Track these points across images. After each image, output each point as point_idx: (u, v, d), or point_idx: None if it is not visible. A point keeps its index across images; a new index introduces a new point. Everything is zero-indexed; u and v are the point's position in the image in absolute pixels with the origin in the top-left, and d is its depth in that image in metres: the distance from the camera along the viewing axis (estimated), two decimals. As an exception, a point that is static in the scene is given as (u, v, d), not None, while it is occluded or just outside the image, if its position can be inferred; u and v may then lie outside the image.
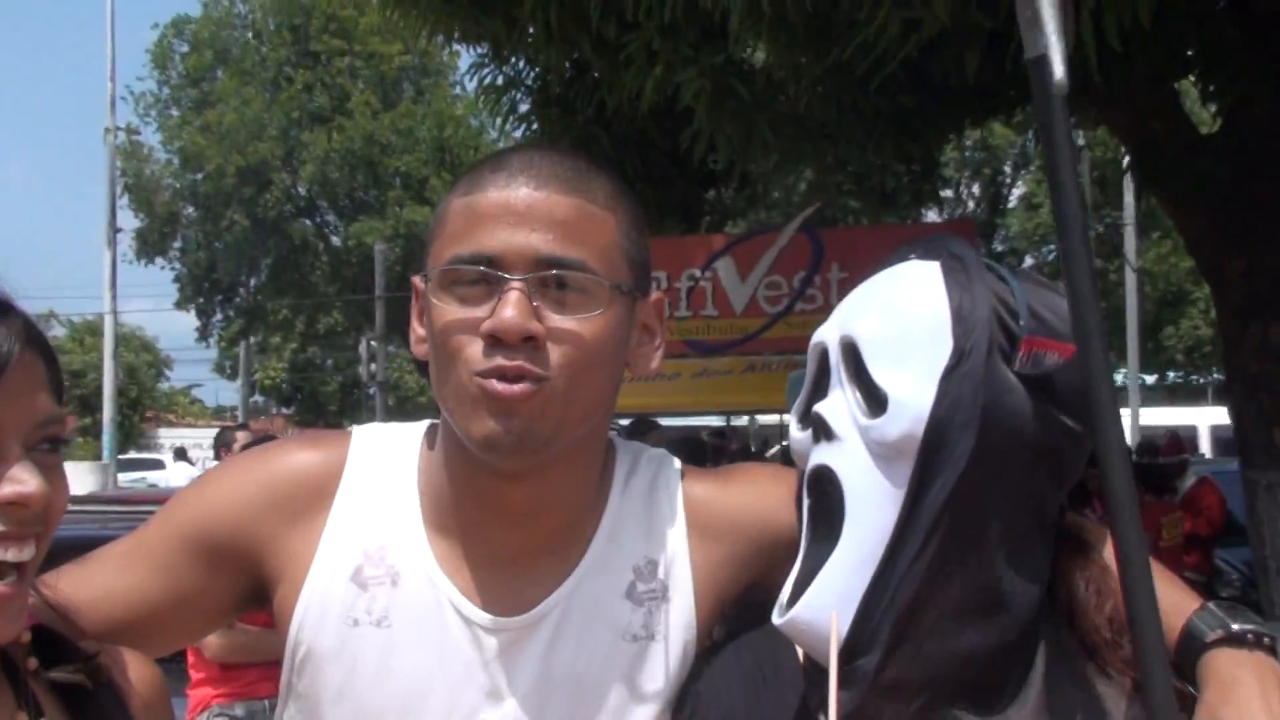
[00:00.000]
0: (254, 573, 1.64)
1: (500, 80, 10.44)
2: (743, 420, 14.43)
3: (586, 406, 1.56)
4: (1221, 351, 9.36)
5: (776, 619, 1.51)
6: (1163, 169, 8.28)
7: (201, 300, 35.32)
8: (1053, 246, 32.97)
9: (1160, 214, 13.22)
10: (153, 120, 35.94)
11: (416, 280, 1.62)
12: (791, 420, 1.62)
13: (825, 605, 1.45)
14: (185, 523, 1.63)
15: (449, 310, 1.51)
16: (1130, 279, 28.32)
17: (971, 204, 32.76)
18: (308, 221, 35.51)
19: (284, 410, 50.68)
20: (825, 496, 1.51)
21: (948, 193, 31.95)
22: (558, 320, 1.50)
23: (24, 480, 1.31)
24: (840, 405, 1.51)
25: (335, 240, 35.79)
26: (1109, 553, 1.54)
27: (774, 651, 1.59)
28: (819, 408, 1.53)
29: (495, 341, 1.47)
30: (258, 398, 49.60)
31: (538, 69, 10.33)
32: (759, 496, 1.71)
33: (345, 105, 34.52)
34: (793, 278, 12.40)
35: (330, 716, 1.60)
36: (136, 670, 1.52)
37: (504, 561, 1.61)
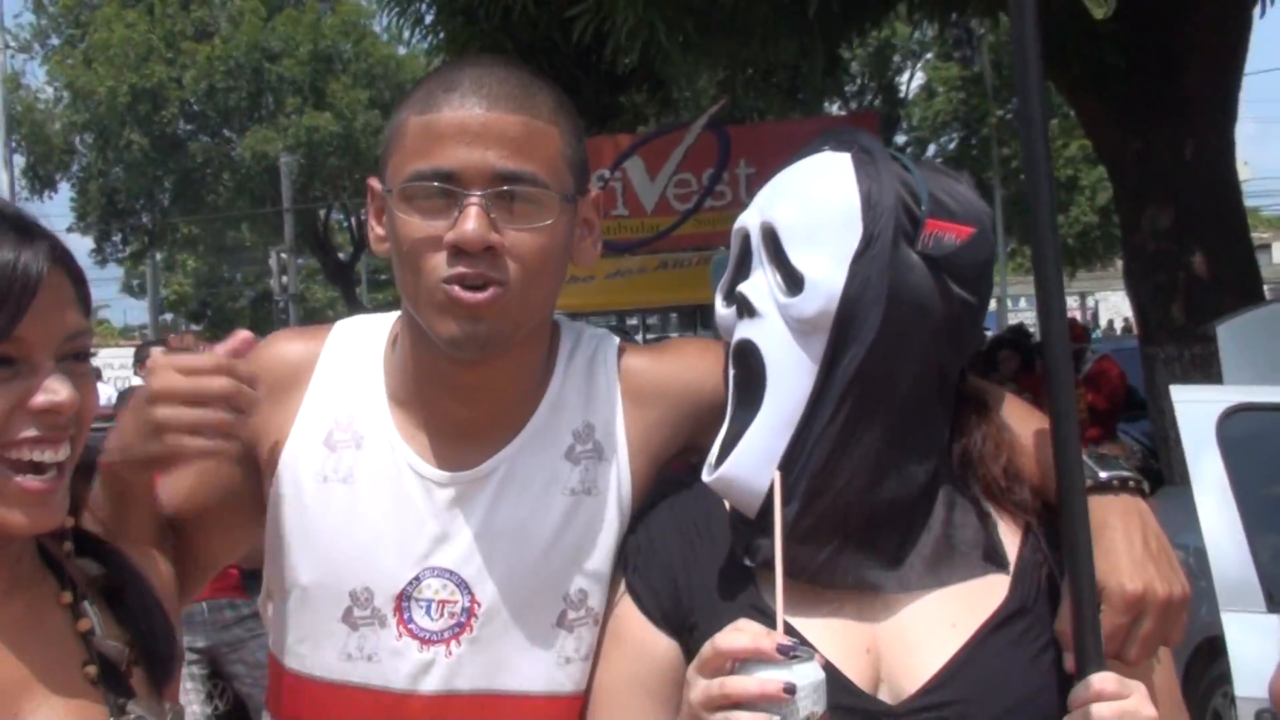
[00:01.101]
0: (255, 455, 1.82)
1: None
2: (654, 318, 14.67)
3: (540, 304, 1.74)
4: (1120, 232, 9.62)
5: (706, 476, 1.67)
6: (1060, 56, 8.44)
7: (101, 224, 34.62)
8: (953, 135, 33.36)
9: (1054, 98, 13.54)
10: (35, 56, 35.00)
11: (373, 182, 1.77)
12: (717, 297, 1.77)
13: (749, 464, 1.62)
14: None
15: (412, 223, 1.66)
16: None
17: (870, 97, 32.94)
18: (205, 138, 34.87)
19: (194, 327, 50.14)
20: (748, 368, 1.67)
21: (851, 87, 32.06)
22: (512, 231, 1.65)
23: (56, 390, 1.45)
24: (761, 285, 1.67)
25: (235, 155, 35.22)
26: (1005, 411, 1.76)
27: (704, 507, 1.75)
28: (742, 287, 1.68)
29: (458, 251, 1.63)
30: (166, 315, 49.07)
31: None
32: (688, 366, 1.87)
33: (232, 17, 33.79)
34: (701, 175, 12.53)
35: (299, 564, 1.77)
36: (163, 569, 1.71)
37: (457, 430, 1.78)
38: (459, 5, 10.10)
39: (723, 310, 1.75)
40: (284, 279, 30.59)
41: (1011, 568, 1.68)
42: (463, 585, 1.74)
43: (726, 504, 1.72)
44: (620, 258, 13.18)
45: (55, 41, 34.53)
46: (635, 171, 12.58)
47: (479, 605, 1.74)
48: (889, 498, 1.65)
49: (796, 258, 1.63)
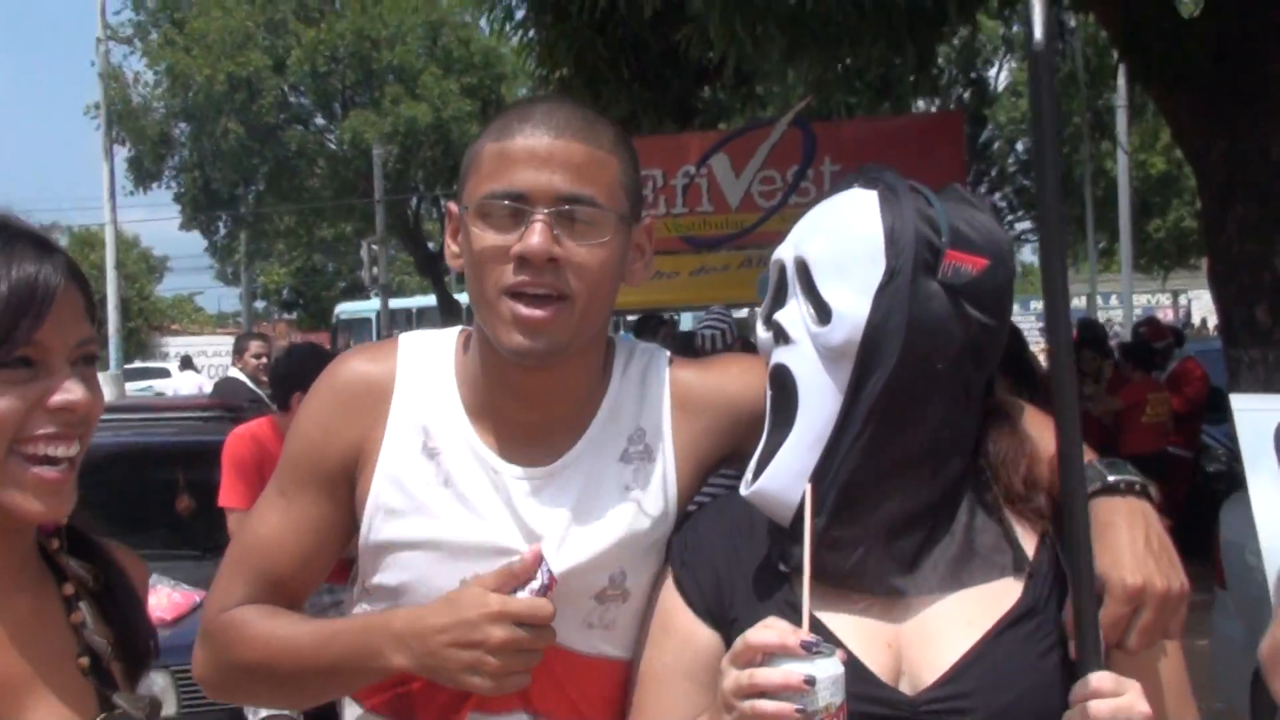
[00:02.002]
0: (351, 472, 2.01)
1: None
2: (742, 313, 14.68)
3: (597, 316, 1.94)
4: (1205, 234, 9.56)
5: (744, 490, 1.85)
6: (1148, 55, 8.43)
7: (203, 218, 35.17)
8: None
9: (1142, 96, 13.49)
10: (136, 48, 35.53)
11: (451, 205, 1.99)
12: (758, 323, 1.94)
13: (783, 479, 1.80)
14: (300, 463, 2.02)
15: (485, 236, 1.88)
16: (1122, 160, 28.46)
17: (960, 90, 32.69)
18: (301, 127, 35.28)
19: (286, 316, 50.85)
20: (783, 390, 1.84)
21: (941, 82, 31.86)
22: (573, 245, 1.86)
23: (72, 390, 1.61)
24: (795, 314, 1.84)
25: (331, 144, 35.59)
26: (1027, 423, 1.91)
27: (749, 512, 1.91)
28: (778, 316, 1.86)
29: (523, 262, 1.84)
30: (259, 303, 49.84)
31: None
32: (732, 380, 2.07)
33: (333, 4, 34.12)
34: (786, 172, 12.54)
35: (410, 560, 1.97)
36: (137, 565, 1.93)
37: (526, 434, 1.99)
38: (549, 2, 10.24)
39: (762, 334, 1.92)
40: (374, 270, 30.94)
41: (1026, 570, 1.82)
42: (543, 564, 1.88)
43: None
44: (704, 254, 13.27)
45: (154, 36, 35.05)
46: (720, 168, 12.63)
47: (555, 580, 1.89)
48: (912, 508, 1.81)
49: (825, 290, 1.79)
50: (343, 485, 2.00)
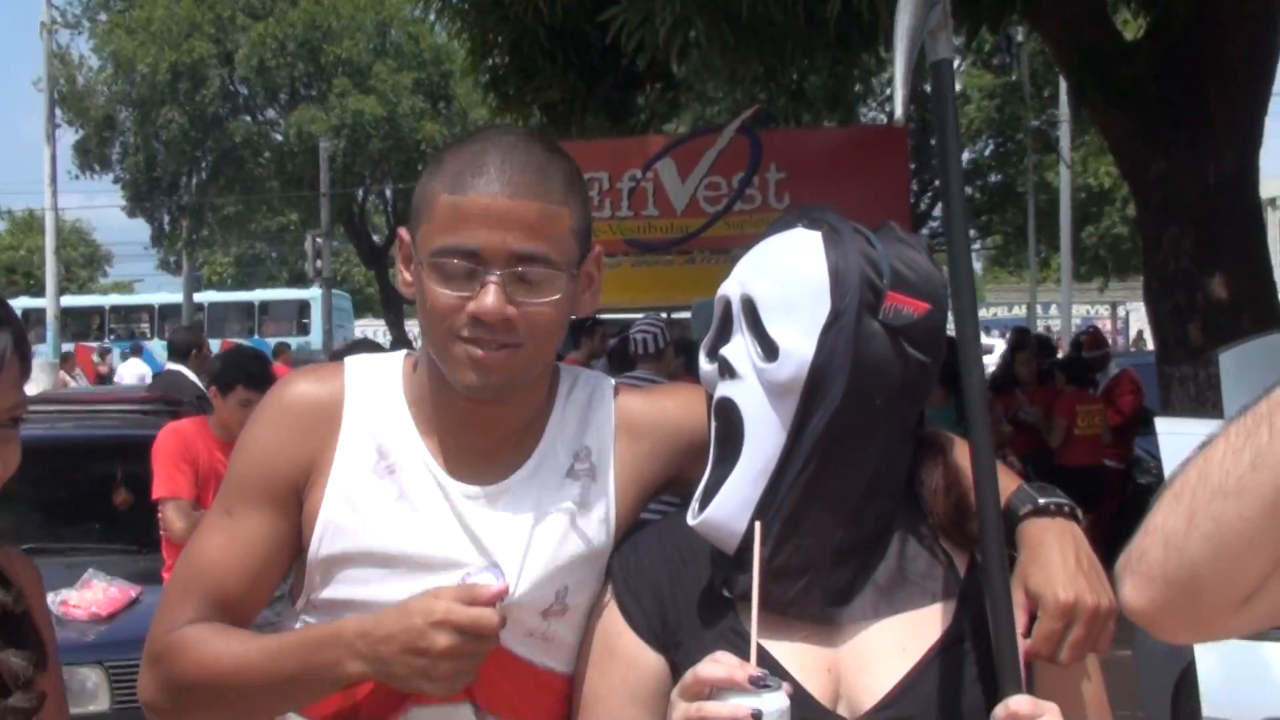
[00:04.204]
0: (300, 491, 2.03)
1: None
2: (685, 314, 14.74)
3: (544, 358, 2.01)
4: (1140, 251, 9.70)
5: (691, 520, 1.89)
6: (1091, 75, 8.55)
7: (148, 205, 34.83)
8: (988, 141, 33.30)
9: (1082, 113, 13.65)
10: (83, 30, 35.13)
11: (403, 233, 2.01)
12: (700, 354, 1.99)
13: (729, 509, 1.85)
14: (247, 483, 2.04)
15: (439, 291, 1.91)
16: (1065, 175, 28.79)
17: (909, 104, 32.74)
18: (248, 118, 35.05)
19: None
20: (728, 423, 1.88)
21: (886, 93, 31.99)
22: (526, 302, 1.90)
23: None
24: (740, 350, 1.88)
25: (277, 136, 35.35)
26: (957, 454, 1.96)
27: (689, 535, 1.95)
28: (724, 351, 1.89)
29: (478, 320, 1.89)
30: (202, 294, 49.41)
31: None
32: (676, 407, 2.12)
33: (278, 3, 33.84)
34: (732, 178, 12.61)
35: (361, 574, 1.99)
36: (28, 568, 2.01)
37: (475, 454, 2.04)
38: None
39: (706, 367, 1.96)
40: (318, 263, 30.75)
41: (957, 596, 1.89)
42: (498, 572, 1.93)
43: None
44: (648, 255, 13.35)
45: (103, 17, 34.70)
46: (667, 173, 12.68)
47: (509, 590, 1.93)
48: (852, 538, 1.86)
49: (772, 328, 1.84)
50: (291, 503, 2.03)
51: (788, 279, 1.86)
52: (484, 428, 2.03)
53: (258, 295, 41.11)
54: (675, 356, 8.20)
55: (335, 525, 2.00)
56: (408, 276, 2.02)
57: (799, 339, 1.82)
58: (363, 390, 2.06)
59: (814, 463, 1.82)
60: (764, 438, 1.84)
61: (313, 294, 40.02)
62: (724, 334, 1.93)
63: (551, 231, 1.92)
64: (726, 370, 1.88)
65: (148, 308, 42.37)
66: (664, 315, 11.28)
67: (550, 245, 1.91)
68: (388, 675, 1.87)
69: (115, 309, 42.45)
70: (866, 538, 1.88)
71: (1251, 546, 1.46)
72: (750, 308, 1.87)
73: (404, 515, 2.00)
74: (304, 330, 37.14)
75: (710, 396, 1.95)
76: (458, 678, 1.85)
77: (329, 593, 2.02)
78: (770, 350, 1.84)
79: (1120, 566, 1.58)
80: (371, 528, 1.99)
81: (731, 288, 1.92)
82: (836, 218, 1.92)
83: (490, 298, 1.87)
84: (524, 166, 1.92)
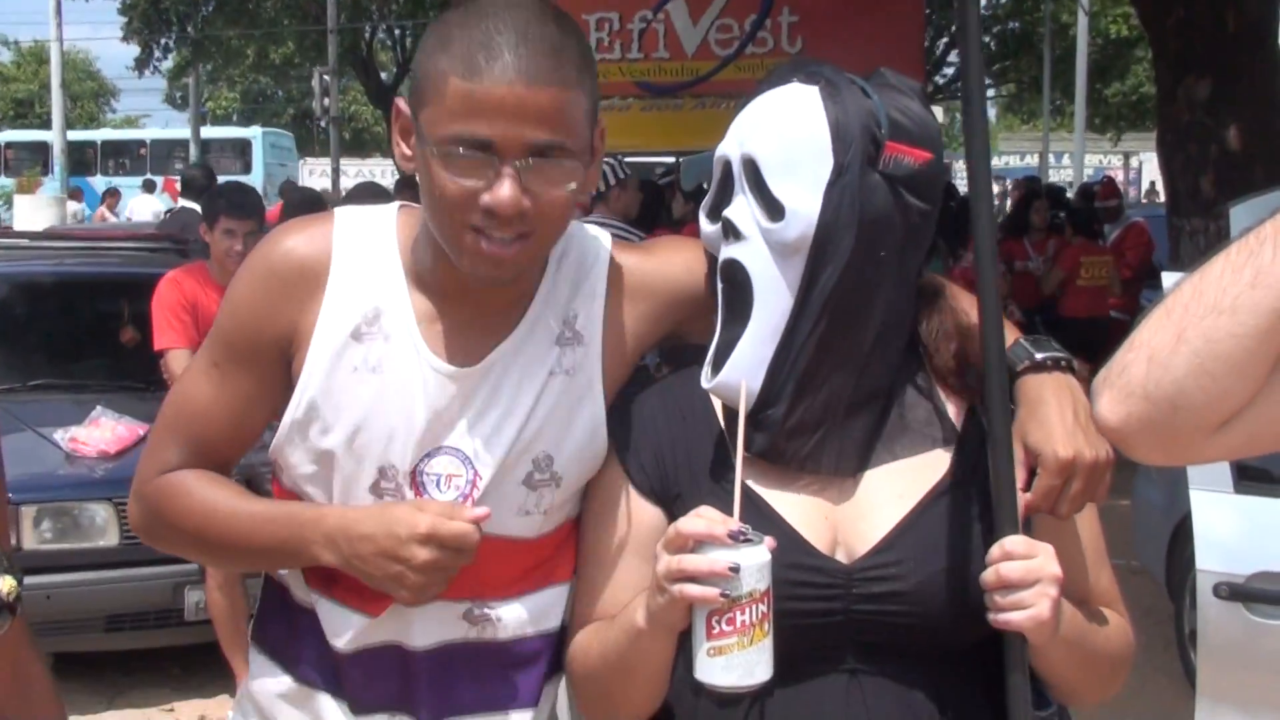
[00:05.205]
0: (286, 352, 2.01)
1: None
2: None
3: (555, 241, 1.97)
4: (1156, 102, 9.59)
5: (705, 382, 1.91)
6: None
7: (147, 32, 34.21)
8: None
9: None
10: None
11: (400, 103, 1.94)
12: (701, 215, 1.98)
13: (743, 369, 1.85)
14: (233, 340, 2.03)
15: (448, 181, 1.82)
16: (1082, 21, 28.32)
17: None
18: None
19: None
20: (734, 284, 1.89)
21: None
22: (540, 191, 1.83)
23: None
24: (744, 211, 1.87)
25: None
26: (955, 302, 1.99)
27: (690, 393, 1.98)
28: (728, 213, 1.88)
29: (490, 212, 1.82)
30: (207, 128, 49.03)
31: None
32: (672, 262, 2.10)
33: None
34: (744, 21, 12.39)
35: (333, 443, 1.99)
36: None
37: (466, 321, 2.00)
38: None
39: (709, 228, 1.95)
40: (325, 101, 30.36)
41: (955, 443, 1.92)
42: (466, 460, 1.97)
43: (713, 395, 1.96)
44: (659, 99, 13.19)
45: None
46: (678, 14, 12.45)
47: (480, 478, 1.97)
48: (865, 391, 1.89)
49: (776, 188, 1.83)
50: (277, 363, 2.01)
51: (789, 137, 1.84)
52: (480, 299, 1.99)
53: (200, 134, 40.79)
54: (638, 192, 7.95)
55: (313, 389, 1.99)
56: (407, 151, 1.94)
57: (804, 197, 1.82)
58: (352, 248, 2.01)
59: (824, 320, 1.84)
60: (773, 297, 1.85)
61: (253, 133, 40.88)
62: (725, 195, 1.92)
63: (567, 118, 1.83)
64: (731, 231, 1.88)
65: (141, 143, 42.13)
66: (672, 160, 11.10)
67: (566, 133, 1.83)
68: (358, 571, 1.90)
69: (107, 144, 42.16)
70: (877, 389, 1.90)
71: (1237, 367, 1.47)
72: (752, 168, 1.86)
73: (375, 384, 1.98)
74: (246, 169, 36.99)
75: (712, 256, 1.95)
76: (426, 590, 1.88)
77: (295, 455, 2.03)
78: (775, 210, 1.83)
79: (1099, 380, 1.60)
80: (343, 393, 1.98)
81: (730, 148, 1.91)
82: (832, 70, 1.90)
83: (506, 190, 1.80)
84: (539, 50, 1.81)
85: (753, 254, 1.86)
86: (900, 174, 1.82)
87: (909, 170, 1.82)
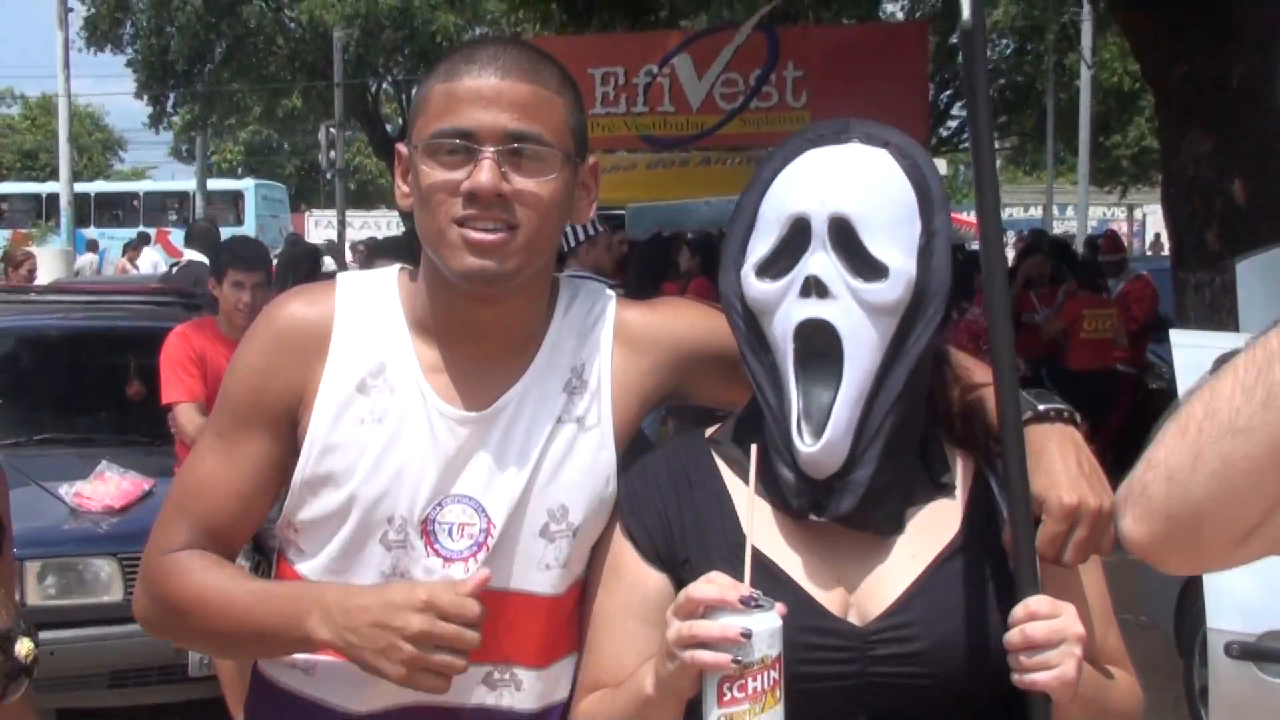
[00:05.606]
0: (293, 415, 2.02)
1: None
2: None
3: (542, 248, 1.98)
4: (1161, 155, 9.62)
5: (806, 448, 1.84)
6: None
7: (155, 85, 34.46)
8: (1010, 44, 32.82)
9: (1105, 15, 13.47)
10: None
11: (400, 147, 2.02)
12: (748, 273, 1.92)
13: (840, 432, 1.84)
14: (239, 406, 2.04)
15: (434, 174, 1.92)
16: (1085, 74, 28.45)
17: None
18: (262, 3, 34.59)
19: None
20: (816, 343, 1.86)
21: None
22: (520, 181, 1.91)
23: None
24: (831, 269, 1.84)
25: (290, 23, 34.93)
26: (959, 361, 2.03)
27: (695, 456, 1.99)
28: (814, 271, 1.84)
29: (472, 198, 1.89)
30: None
31: None
32: (677, 320, 2.13)
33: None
34: (749, 75, 12.53)
35: (341, 498, 2.00)
36: None
37: (472, 368, 2.03)
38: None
39: (767, 285, 1.89)
40: (332, 154, 30.59)
41: (965, 500, 1.94)
42: (479, 508, 1.98)
43: (718, 458, 1.99)
44: (664, 153, 13.29)
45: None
46: (683, 69, 12.58)
47: (494, 525, 1.98)
48: (916, 448, 1.92)
49: (876, 249, 1.84)
50: (284, 425, 2.02)
51: (884, 198, 1.87)
52: (483, 334, 2.02)
53: (193, 185, 40.94)
54: (607, 249, 7.85)
55: (321, 444, 2.00)
56: (405, 188, 2.03)
57: (903, 259, 1.85)
58: (354, 309, 2.05)
59: (909, 382, 1.86)
60: (863, 358, 1.85)
61: (245, 185, 41.35)
62: (793, 252, 1.88)
63: (545, 114, 1.94)
64: (816, 289, 1.84)
65: (134, 194, 42.35)
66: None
67: (544, 126, 1.93)
68: (351, 646, 1.87)
69: (101, 195, 42.33)
70: (913, 449, 1.93)
71: (1257, 486, 1.47)
72: (844, 226, 1.85)
73: (383, 438, 1.99)
74: (239, 220, 37.16)
75: (739, 312, 1.94)
76: (419, 670, 1.84)
77: (306, 513, 2.03)
78: (877, 271, 1.84)
79: (1121, 498, 1.60)
80: (351, 447, 1.99)
81: (810, 204, 1.86)
82: (899, 135, 1.94)
83: (484, 173, 1.88)
84: (516, 56, 1.96)
85: (843, 314, 1.84)
86: (956, 242, 1.88)
87: (960, 240, 1.86)
